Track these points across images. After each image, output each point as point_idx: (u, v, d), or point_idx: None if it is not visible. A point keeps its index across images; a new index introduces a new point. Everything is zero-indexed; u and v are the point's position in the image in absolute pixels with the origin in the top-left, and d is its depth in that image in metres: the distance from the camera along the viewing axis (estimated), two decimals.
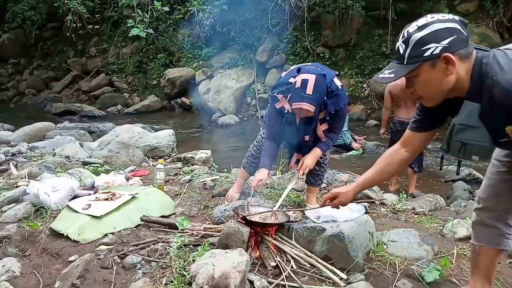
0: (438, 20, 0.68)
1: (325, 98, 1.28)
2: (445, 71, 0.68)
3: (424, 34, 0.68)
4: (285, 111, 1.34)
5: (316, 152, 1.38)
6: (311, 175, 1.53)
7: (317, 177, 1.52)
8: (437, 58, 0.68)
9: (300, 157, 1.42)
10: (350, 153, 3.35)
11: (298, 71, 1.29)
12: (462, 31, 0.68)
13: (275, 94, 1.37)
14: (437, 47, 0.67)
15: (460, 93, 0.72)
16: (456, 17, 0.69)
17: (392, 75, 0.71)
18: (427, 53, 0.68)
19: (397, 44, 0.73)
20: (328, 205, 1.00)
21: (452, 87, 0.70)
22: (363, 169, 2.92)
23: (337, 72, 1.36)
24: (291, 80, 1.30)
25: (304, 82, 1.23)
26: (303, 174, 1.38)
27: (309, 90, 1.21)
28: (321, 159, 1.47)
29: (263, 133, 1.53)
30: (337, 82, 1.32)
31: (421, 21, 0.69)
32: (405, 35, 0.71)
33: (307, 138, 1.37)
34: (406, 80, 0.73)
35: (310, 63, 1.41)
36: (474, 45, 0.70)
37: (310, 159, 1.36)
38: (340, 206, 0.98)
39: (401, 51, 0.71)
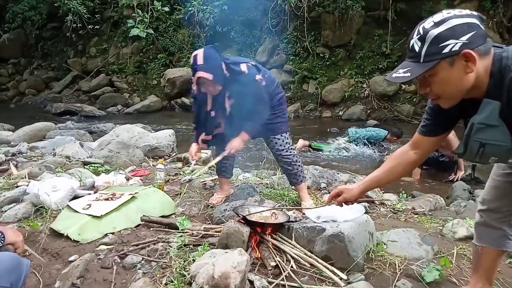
0: (455, 16, 0.63)
1: (228, 74, 1.36)
2: (465, 69, 0.64)
3: (442, 30, 0.62)
4: (194, 93, 1.47)
5: (242, 136, 1.45)
6: (289, 176, 1.58)
7: (295, 175, 1.56)
8: (456, 55, 0.62)
9: (207, 137, 1.51)
10: (317, 144, 3.54)
11: None
12: (481, 26, 0.64)
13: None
14: (456, 43, 0.62)
15: (478, 93, 0.67)
16: (474, 12, 0.65)
17: (408, 74, 0.65)
18: (446, 50, 0.62)
19: (411, 41, 0.66)
20: (333, 203, 0.96)
21: (471, 86, 0.66)
22: (360, 168, 2.95)
23: (252, 61, 1.42)
24: None
25: (195, 57, 1.35)
26: (230, 153, 1.45)
27: (200, 61, 1.33)
28: (287, 159, 1.53)
29: None
30: (243, 67, 1.39)
31: (438, 17, 0.64)
32: (421, 31, 0.65)
33: (213, 113, 1.46)
34: (421, 79, 0.67)
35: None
36: (496, 44, 0.67)
37: (236, 141, 1.44)
38: (344, 204, 0.94)
39: (417, 48, 0.65)
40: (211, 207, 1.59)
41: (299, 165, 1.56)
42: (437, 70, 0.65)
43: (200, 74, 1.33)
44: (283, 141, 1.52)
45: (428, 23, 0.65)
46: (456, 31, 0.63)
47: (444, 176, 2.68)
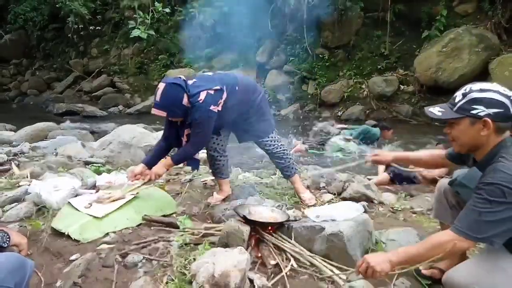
0: (498, 92, 0.80)
1: (189, 106, 1.36)
2: (480, 132, 0.81)
3: (480, 96, 0.80)
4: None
5: (166, 162, 1.47)
6: (283, 170, 1.63)
7: (288, 167, 1.61)
8: (479, 119, 0.80)
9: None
10: (313, 151, 3.54)
11: None
12: (511, 109, 0.79)
13: None
14: (483, 111, 0.79)
15: (478, 156, 0.86)
16: None
17: (440, 114, 0.85)
18: (474, 112, 0.80)
19: (458, 92, 0.85)
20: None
21: (478, 147, 0.84)
22: (360, 169, 2.95)
23: (216, 87, 1.39)
24: None
25: (156, 90, 1.37)
26: (149, 180, 1.47)
27: (157, 97, 1.35)
28: (278, 153, 1.58)
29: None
30: (202, 96, 1.36)
31: (485, 86, 0.82)
32: (467, 89, 0.83)
33: (182, 139, 1.47)
34: (449, 122, 0.87)
35: (211, 73, 1.52)
36: None
37: (157, 167, 1.46)
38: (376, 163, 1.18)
39: (457, 99, 0.84)
40: (212, 206, 1.60)
41: (290, 158, 1.63)
42: (461, 122, 0.83)
43: (154, 111, 1.35)
44: (271, 141, 1.57)
45: (476, 86, 0.82)
46: (490, 103, 0.79)
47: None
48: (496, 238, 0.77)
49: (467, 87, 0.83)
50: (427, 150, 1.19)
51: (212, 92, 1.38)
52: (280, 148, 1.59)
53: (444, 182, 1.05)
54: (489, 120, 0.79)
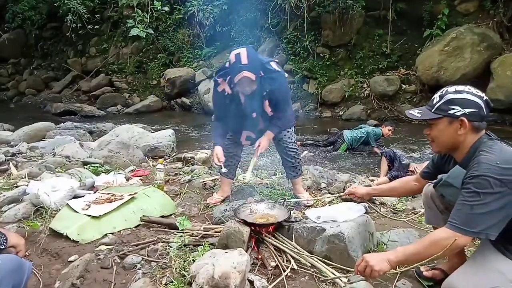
0: (472, 93, 0.85)
1: (263, 74, 1.37)
2: (457, 131, 0.86)
3: (456, 97, 0.85)
4: (226, 94, 1.44)
5: (268, 135, 1.49)
6: (289, 169, 1.63)
7: (296, 168, 1.62)
8: (456, 118, 0.85)
9: (250, 134, 1.52)
10: (338, 151, 3.63)
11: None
12: (484, 109, 0.85)
13: (215, 78, 1.47)
14: (460, 111, 0.84)
15: (458, 156, 0.90)
16: (485, 97, 0.86)
17: (419, 115, 0.90)
18: (451, 112, 0.85)
19: (435, 95, 0.91)
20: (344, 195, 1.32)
21: (456, 146, 0.88)
22: (360, 169, 2.94)
23: (276, 60, 1.47)
24: (227, 65, 1.41)
25: (238, 56, 1.33)
26: (259, 153, 1.51)
27: (244, 60, 1.31)
28: (291, 151, 1.58)
29: None
30: (274, 65, 1.41)
31: (460, 88, 0.87)
32: (444, 91, 0.88)
33: (254, 115, 1.45)
34: (429, 123, 0.92)
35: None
36: (489, 132, 0.88)
37: (264, 141, 1.49)
38: (351, 195, 1.34)
39: (435, 101, 0.89)
40: (211, 207, 1.59)
41: (300, 159, 1.64)
42: (439, 122, 0.88)
43: (246, 74, 1.29)
44: (291, 134, 1.58)
45: (452, 88, 0.88)
46: (465, 103, 0.84)
47: None
48: (491, 231, 0.77)
49: (444, 90, 0.88)
50: (401, 179, 1.29)
51: (275, 62, 1.42)
52: (294, 145, 1.59)
53: (429, 188, 1.06)
54: (465, 119, 0.83)
